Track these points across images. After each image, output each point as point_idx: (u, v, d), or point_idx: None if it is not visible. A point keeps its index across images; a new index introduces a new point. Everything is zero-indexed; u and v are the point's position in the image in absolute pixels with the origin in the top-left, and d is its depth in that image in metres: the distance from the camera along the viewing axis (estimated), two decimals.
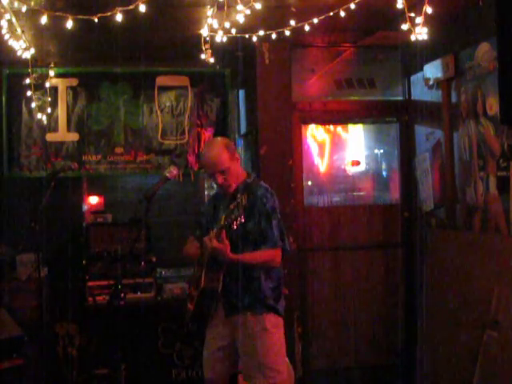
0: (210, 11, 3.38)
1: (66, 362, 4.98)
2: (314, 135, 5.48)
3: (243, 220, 3.09)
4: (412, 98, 5.26)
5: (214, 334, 3.48)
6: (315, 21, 3.66)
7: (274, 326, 3.40)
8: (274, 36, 3.90)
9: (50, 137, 5.34)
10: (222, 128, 5.55)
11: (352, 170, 5.57)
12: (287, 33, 3.83)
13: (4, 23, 3.48)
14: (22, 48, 3.75)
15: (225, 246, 3.15)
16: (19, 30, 3.59)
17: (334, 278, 5.27)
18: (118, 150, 5.43)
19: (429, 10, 3.05)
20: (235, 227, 3.11)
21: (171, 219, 5.61)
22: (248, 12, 3.24)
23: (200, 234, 3.63)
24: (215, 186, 3.67)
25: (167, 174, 3.41)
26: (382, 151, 5.70)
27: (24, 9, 3.26)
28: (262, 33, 3.90)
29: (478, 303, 4.04)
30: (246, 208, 3.19)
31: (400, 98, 5.40)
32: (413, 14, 3.06)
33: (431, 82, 4.83)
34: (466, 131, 4.41)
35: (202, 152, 3.48)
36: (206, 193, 5.97)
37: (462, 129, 4.45)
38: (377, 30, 4.77)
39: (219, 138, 3.64)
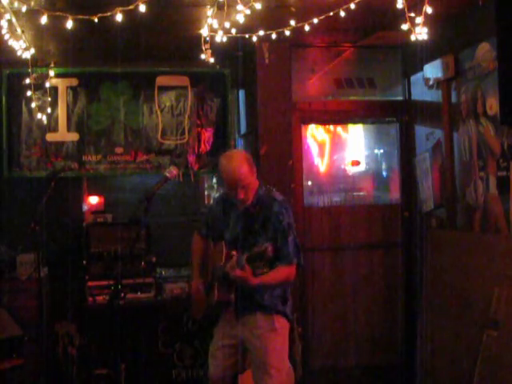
0: (210, 11, 3.38)
1: (66, 362, 4.98)
2: (314, 135, 5.48)
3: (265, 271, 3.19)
4: (412, 98, 5.27)
5: (222, 333, 3.52)
6: (315, 21, 3.66)
7: (282, 327, 3.43)
8: (274, 36, 3.89)
9: (49, 137, 5.33)
10: (222, 128, 5.54)
11: (352, 170, 5.57)
12: (287, 33, 3.83)
13: (4, 23, 3.48)
14: (22, 48, 3.75)
15: (248, 273, 3.15)
16: (19, 30, 3.59)
17: (334, 278, 5.27)
18: (118, 149, 5.42)
19: (429, 10, 3.05)
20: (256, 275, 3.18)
21: (171, 219, 5.61)
22: (248, 12, 3.24)
23: (206, 232, 3.66)
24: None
25: (167, 174, 3.41)
26: (382, 151, 5.70)
27: (24, 9, 3.26)
28: (262, 33, 3.89)
29: (478, 303, 4.04)
30: (259, 220, 3.29)
31: (400, 98, 5.40)
32: (413, 14, 3.06)
33: (431, 82, 4.83)
34: (466, 131, 4.41)
35: (222, 164, 3.39)
36: (206, 193, 5.97)
37: (462, 129, 4.45)
38: (377, 30, 4.77)
39: (240, 152, 3.61)
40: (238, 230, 3.41)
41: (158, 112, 5.48)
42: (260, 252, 3.07)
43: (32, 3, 3.44)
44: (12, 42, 3.75)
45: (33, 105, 4.75)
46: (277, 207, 3.33)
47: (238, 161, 3.34)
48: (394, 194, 5.49)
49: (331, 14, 3.55)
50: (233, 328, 3.46)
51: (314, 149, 5.46)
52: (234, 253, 3.25)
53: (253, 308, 3.38)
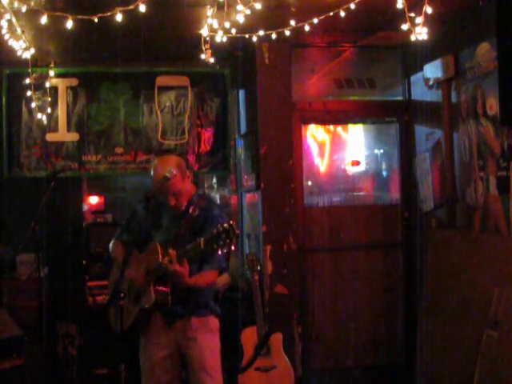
0: (210, 11, 3.38)
1: (66, 362, 4.98)
2: (314, 135, 5.48)
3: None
4: (412, 98, 5.26)
5: (155, 343, 3.35)
6: (315, 21, 3.66)
7: (216, 328, 3.39)
8: (274, 36, 3.89)
9: (49, 137, 5.33)
10: (222, 128, 5.54)
11: (352, 170, 5.57)
12: (287, 33, 3.83)
13: (4, 23, 3.49)
14: (22, 48, 3.76)
15: (186, 269, 3.07)
16: (19, 30, 3.60)
17: (334, 278, 5.27)
18: (118, 149, 5.42)
19: (429, 9, 3.06)
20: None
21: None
22: (248, 12, 3.24)
23: (128, 238, 3.45)
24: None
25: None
26: (381, 151, 5.69)
27: (24, 9, 3.26)
28: (262, 33, 3.89)
29: (478, 303, 4.04)
30: (199, 222, 3.24)
31: (400, 98, 5.40)
32: (413, 14, 3.06)
33: (431, 82, 4.83)
34: (466, 131, 4.41)
35: (152, 173, 3.31)
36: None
37: (462, 129, 4.45)
38: (377, 30, 4.77)
39: (170, 159, 3.41)
40: (174, 231, 3.29)
41: (158, 112, 5.48)
42: (195, 246, 2.99)
43: (32, 3, 3.44)
44: (12, 42, 3.76)
45: (33, 105, 4.75)
46: (217, 211, 3.31)
47: (168, 168, 3.19)
48: (394, 194, 5.49)
49: (331, 14, 3.55)
50: (165, 336, 3.32)
51: (314, 149, 5.46)
52: (171, 251, 3.10)
53: (187, 312, 3.29)
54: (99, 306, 4.91)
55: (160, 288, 3.19)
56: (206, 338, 3.32)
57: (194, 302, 3.31)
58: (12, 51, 3.85)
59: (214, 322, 3.38)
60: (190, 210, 3.29)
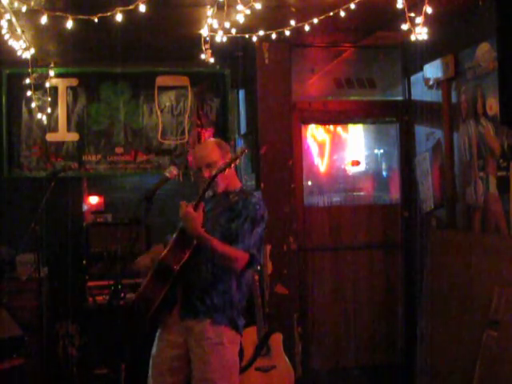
0: (210, 11, 3.38)
1: (66, 362, 4.98)
2: (314, 135, 5.48)
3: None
4: (412, 98, 5.26)
5: (167, 341, 3.21)
6: (315, 21, 3.66)
7: (230, 342, 3.14)
8: (274, 36, 3.90)
9: (49, 137, 5.34)
10: (222, 128, 5.55)
11: (352, 170, 5.57)
12: (287, 33, 3.83)
13: (4, 23, 3.48)
14: (22, 48, 3.76)
15: (199, 216, 3.00)
16: (19, 30, 3.60)
17: (334, 278, 5.27)
18: (118, 150, 5.43)
19: (429, 9, 3.06)
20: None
21: (171, 219, 5.60)
22: (248, 12, 3.24)
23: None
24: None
25: (167, 174, 3.40)
26: (382, 151, 5.70)
27: (24, 9, 3.26)
28: (261, 33, 3.89)
29: (478, 303, 4.04)
30: (236, 209, 3.13)
31: (400, 98, 5.40)
32: (413, 14, 3.07)
33: (431, 82, 4.83)
34: (466, 131, 4.41)
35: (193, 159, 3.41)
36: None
37: (462, 129, 4.45)
38: (377, 30, 4.77)
39: (209, 141, 3.53)
40: (210, 215, 3.18)
41: (158, 112, 5.48)
42: (208, 181, 3.05)
43: (32, 3, 3.44)
44: (12, 42, 3.76)
45: (33, 105, 4.75)
46: (255, 199, 3.21)
47: (208, 144, 3.34)
48: (394, 194, 5.49)
49: (331, 13, 3.56)
50: (178, 335, 3.17)
51: (314, 149, 5.46)
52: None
53: (203, 309, 3.11)
54: (99, 306, 4.90)
55: (175, 251, 3.07)
56: (216, 351, 3.10)
57: (216, 298, 3.11)
58: (12, 51, 3.85)
59: (229, 335, 3.13)
60: (230, 196, 3.19)
